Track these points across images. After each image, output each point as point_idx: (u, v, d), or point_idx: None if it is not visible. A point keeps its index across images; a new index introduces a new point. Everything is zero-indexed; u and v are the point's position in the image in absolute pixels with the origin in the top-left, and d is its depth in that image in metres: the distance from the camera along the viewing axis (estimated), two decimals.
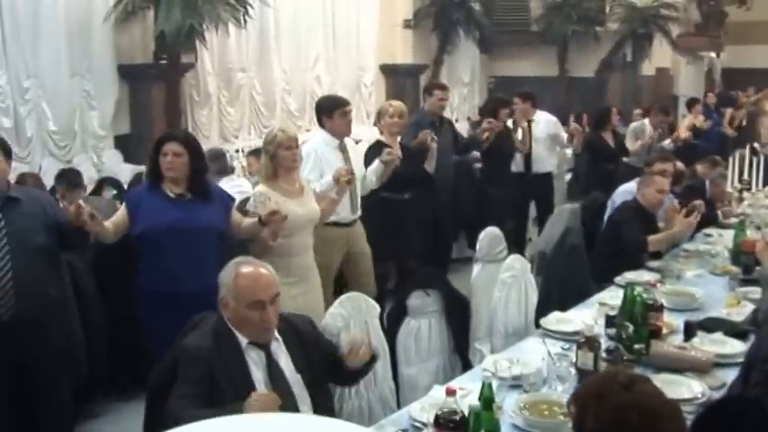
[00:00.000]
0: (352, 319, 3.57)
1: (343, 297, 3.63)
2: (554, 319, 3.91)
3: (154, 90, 8.78)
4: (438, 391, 3.00)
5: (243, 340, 2.90)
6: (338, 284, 5.31)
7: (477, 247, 4.82)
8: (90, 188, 6.43)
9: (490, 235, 4.84)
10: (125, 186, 6.10)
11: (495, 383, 3.11)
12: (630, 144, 8.59)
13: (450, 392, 2.48)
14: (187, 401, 2.72)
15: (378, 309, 3.72)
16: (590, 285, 4.74)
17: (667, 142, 9.09)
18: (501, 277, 4.26)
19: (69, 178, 5.78)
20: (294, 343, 3.00)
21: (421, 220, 6.24)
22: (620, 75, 14.08)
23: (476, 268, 4.75)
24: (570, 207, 5.99)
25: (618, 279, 4.55)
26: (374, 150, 5.63)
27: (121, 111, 8.80)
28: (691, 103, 11.73)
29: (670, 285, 4.45)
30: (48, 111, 8.02)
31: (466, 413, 2.48)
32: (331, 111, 5.29)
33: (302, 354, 3.00)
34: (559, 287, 4.83)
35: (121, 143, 8.79)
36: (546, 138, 7.60)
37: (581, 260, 5.02)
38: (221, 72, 9.97)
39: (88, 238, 3.89)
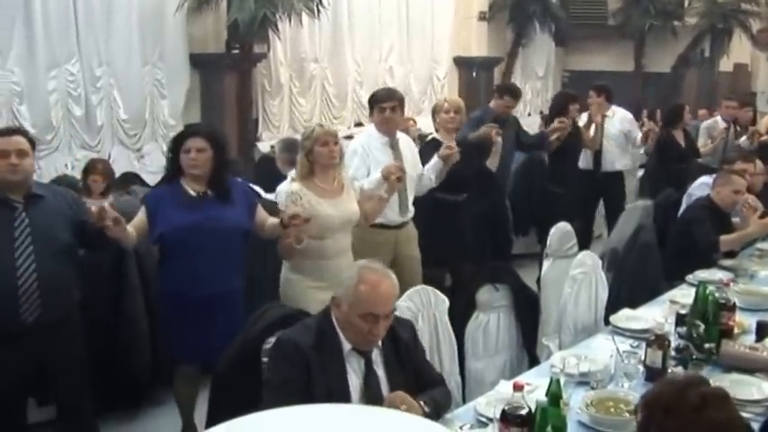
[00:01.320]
0: (420, 312, 3.54)
1: (411, 290, 3.60)
2: (624, 317, 3.88)
3: (225, 79, 8.84)
4: (504, 386, 2.98)
5: (346, 345, 2.82)
6: None
7: (548, 242, 4.76)
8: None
9: (561, 231, 4.78)
10: None
11: (562, 380, 3.09)
12: (702, 144, 8.25)
13: (518, 387, 2.46)
14: (283, 396, 2.62)
15: (446, 302, 3.67)
16: (661, 283, 4.67)
17: (743, 140, 8.49)
18: (571, 273, 4.20)
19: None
20: (393, 354, 2.91)
21: (477, 219, 5.95)
22: (696, 71, 13.76)
23: (546, 264, 4.69)
24: (643, 204, 5.87)
25: (690, 277, 4.48)
26: (430, 148, 5.39)
27: (192, 100, 8.87)
28: None
29: (743, 285, 4.34)
30: (119, 99, 8.13)
31: (532, 409, 2.45)
32: (371, 106, 5.08)
33: (399, 367, 2.91)
34: (630, 284, 4.77)
35: None
36: (619, 134, 7.31)
37: (653, 258, 4.94)
38: (293, 62, 10.02)
39: (108, 240, 3.69)
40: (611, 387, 3.09)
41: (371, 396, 2.80)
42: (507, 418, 2.41)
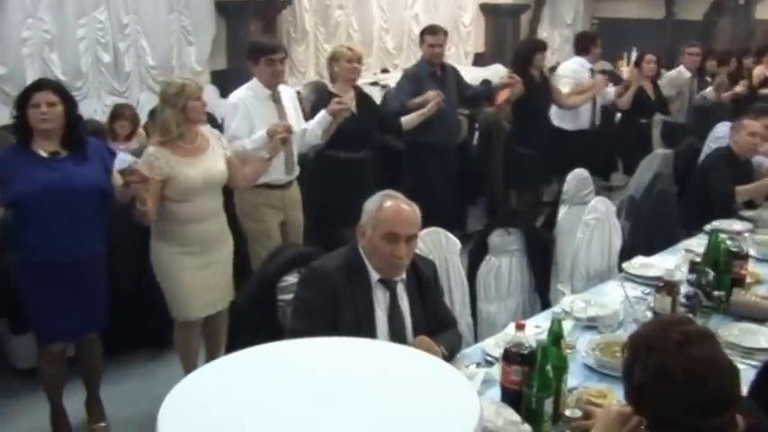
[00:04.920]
0: (431, 253, 3.57)
1: (423, 232, 3.60)
2: (637, 264, 3.89)
3: (251, 26, 8.87)
4: (513, 329, 3.04)
5: (373, 276, 2.87)
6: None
7: (564, 188, 4.78)
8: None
9: (578, 177, 4.79)
10: (218, 120, 5.90)
11: (570, 323, 3.16)
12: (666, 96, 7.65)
13: (520, 327, 2.50)
14: (312, 324, 2.72)
15: (458, 244, 3.71)
16: (679, 232, 4.65)
17: (709, 90, 7.82)
18: (584, 219, 4.22)
19: None
20: (416, 290, 2.97)
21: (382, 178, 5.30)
22: (731, 18, 13.43)
23: (562, 210, 4.72)
24: (663, 153, 5.85)
25: (707, 227, 4.44)
26: (323, 101, 4.94)
27: (218, 46, 8.95)
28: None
29: (762, 236, 4.32)
30: (146, 46, 8.26)
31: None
32: (257, 56, 4.61)
33: (420, 303, 2.97)
34: (646, 232, 4.77)
35: (218, 78, 8.94)
36: None
37: (670, 206, 4.93)
38: (318, 9, 10.01)
39: None
40: (619, 332, 3.11)
41: (395, 328, 2.88)
42: (509, 356, 2.46)
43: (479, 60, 12.22)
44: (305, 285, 2.92)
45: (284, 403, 1.83)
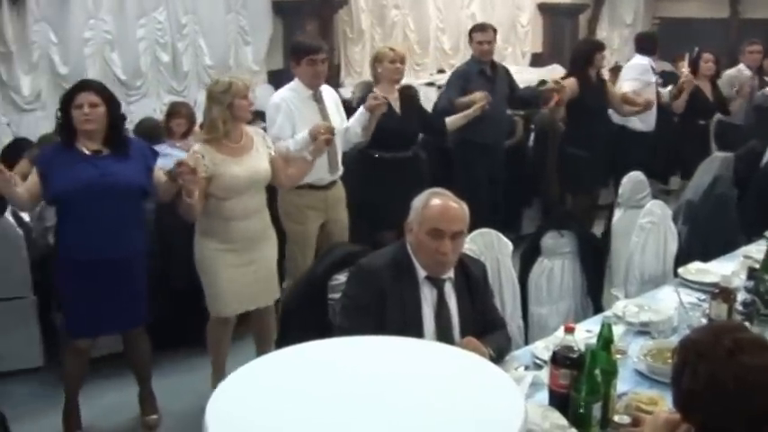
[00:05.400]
0: (483, 255, 3.54)
1: (474, 233, 3.58)
2: (693, 269, 3.83)
3: (307, 26, 8.93)
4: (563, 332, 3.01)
5: (420, 273, 2.87)
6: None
7: (620, 191, 4.72)
8: None
9: (633, 180, 4.73)
10: None
11: (621, 328, 3.11)
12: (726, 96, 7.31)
13: (569, 330, 2.47)
14: (359, 321, 2.75)
15: (510, 246, 3.68)
16: (737, 238, 4.56)
17: None
18: (639, 222, 4.14)
19: None
20: (464, 289, 2.96)
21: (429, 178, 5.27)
22: None
23: (617, 213, 4.66)
24: (722, 155, 5.72)
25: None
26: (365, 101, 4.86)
27: (275, 46, 9.03)
28: None
29: None
30: (204, 46, 8.40)
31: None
32: (299, 57, 4.61)
33: (469, 303, 2.96)
34: (704, 237, 4.66)
35: (274, 78, 8.95)
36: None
37: (729, 210, 4.82)
38: (375, 9, 10.04)
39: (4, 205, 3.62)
40: (673, 338, 3.03)
41: (442, 327, 2.88)
42: (557, 359, 2.44)
43: (537, 61, 12.12)
44: (353, 282, 2.94)
45: (328, 402, 1.84)
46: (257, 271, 4.12)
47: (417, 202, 2.92)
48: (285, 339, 3.24)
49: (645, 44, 7.08)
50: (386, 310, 2.81)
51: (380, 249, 3.06)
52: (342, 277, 3.14)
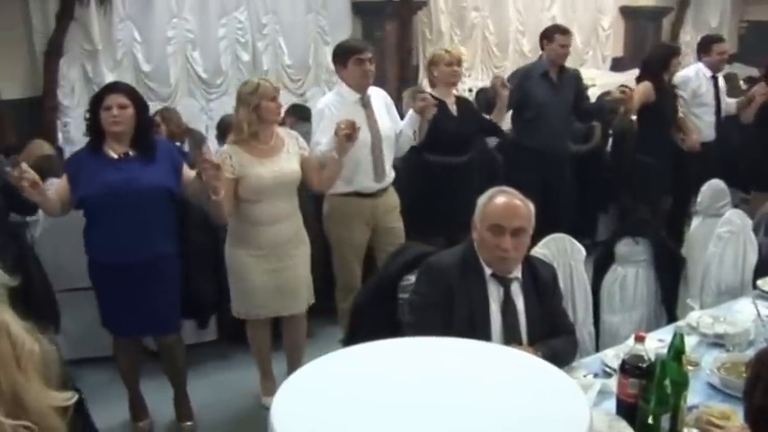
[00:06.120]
0: (555, 260, 3.52)
1: (547, 238, 3.57)
2: None
3: (386, 26, 8.98)
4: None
5: (487, 270, 2.89)
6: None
7: (699, 199, 4.61)
8: None
9: (714, 188, 4.61)
10: None
11: (695, 339, 3.06)
12: None
13: (640, 339, 2.43)
14: (427, 318, 2.78)
15: (583, 252, 3.64)
16: None
17: None
18: (717, 231, 4.05)
19: (299, 112, 6.08)
20: (532, 289, 2.95)
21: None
22: None
23: (695, 222, 4.57)
24: None
25: None
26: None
27: None
28: None
29: None
30: (283, 45, 8.49)
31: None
32: (345, 58, 4.46)
33: (537, 303, 2.95)
34: None
35: None
36: None
37: None
38: (454, 10, 10.01)
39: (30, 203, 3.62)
40: (749, 352, 2.96)
41: (509, 323, 2.88)
42: (626, 368, 2.41)
43: (618, 65, 11.91)
44: (422, 280, 2.97)
45: (391, 401, 1.86)
46: (288, 277, 4.08)
47: (482, 198, 2.94)
48: (354, 337, 3.28)
49: (701, 47, 6.72)
50: (454, 307, 2.83)
51: (450, 248, 3.08)
52: (412, 278, 3.16)
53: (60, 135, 6.94)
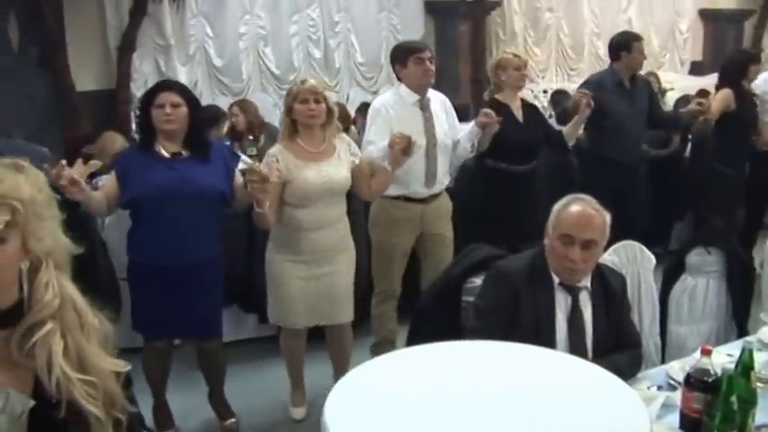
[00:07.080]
0: (624, 267, 3.45)
1: (617, 245, 3.48)
2: None
3: (459, 26, 8.98)
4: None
5: (555, 278, 2.83)
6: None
7: None
8: None
9: None
10: None
11: (766, 355, 2.95)
12: None
13: (706, 352, 2.36)
14: (491, 323, 2.74)
15: (653, 260, 3.55)
16: None
17: None
18: None
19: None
20: (601, 299, 2.88)
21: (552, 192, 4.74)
22: None
23: None
24: None
25: None
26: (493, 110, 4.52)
27: None
28: None
29: None
30: (356, 43, 8.57)
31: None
32: (404, 57, 4.32)
33: (605, 313, 2.88)
34: None
35: None
36: None
37: None
38: (528, 11, 9.95)
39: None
40: None
41: (575, 334, 2.81)
42: (691, 382, 2.34)
43: (696, 69, 11.65)
44: (488, 284, 2.94)
45: (446, 405, 1.84)
46: (329, 284, 3.93)
47: (557, 204, 2.87)
48: (415, 338, 3.27)
49: None
50: (519, 311, 2.78)
51: (520, 253, 3.02)
52: (477, 280, 3.13)
53: (134, 127, 7.09)
